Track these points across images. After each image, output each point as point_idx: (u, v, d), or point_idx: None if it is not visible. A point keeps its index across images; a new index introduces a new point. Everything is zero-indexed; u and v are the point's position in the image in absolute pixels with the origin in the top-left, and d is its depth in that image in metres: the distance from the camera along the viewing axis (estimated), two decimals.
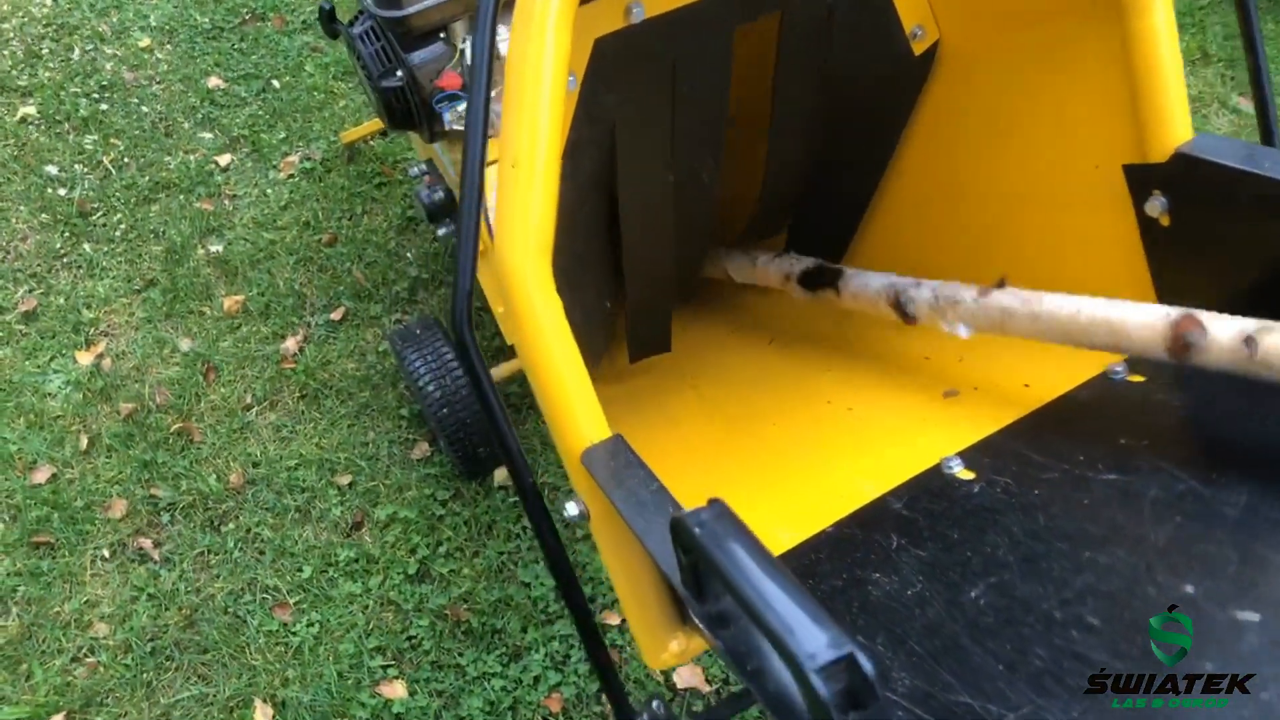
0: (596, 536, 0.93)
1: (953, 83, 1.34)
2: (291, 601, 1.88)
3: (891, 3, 1.30)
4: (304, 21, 3.09)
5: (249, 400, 2.19)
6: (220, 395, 2.19)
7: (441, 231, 1.92)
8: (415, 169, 2.03)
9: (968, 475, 1.02)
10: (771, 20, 1.29)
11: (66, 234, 2.50)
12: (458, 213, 0.97)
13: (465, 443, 1.89)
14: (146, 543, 1.96)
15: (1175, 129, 1.02)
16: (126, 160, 2.69)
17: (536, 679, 1.79)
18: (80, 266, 2.44)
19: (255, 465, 2.08)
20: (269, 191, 2.61)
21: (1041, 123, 1.20)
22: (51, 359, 2.26)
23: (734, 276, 1.77)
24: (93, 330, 2.32)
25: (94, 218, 2.54)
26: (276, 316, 2.34)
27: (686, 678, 1.79)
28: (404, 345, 1.92)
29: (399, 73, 1.71)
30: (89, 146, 2.71)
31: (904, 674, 0.77)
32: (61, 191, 2.60)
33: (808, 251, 1.56)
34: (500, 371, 2.00)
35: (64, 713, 1.74)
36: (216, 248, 2.48)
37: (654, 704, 0.92)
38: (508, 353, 2.14)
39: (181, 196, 2.59)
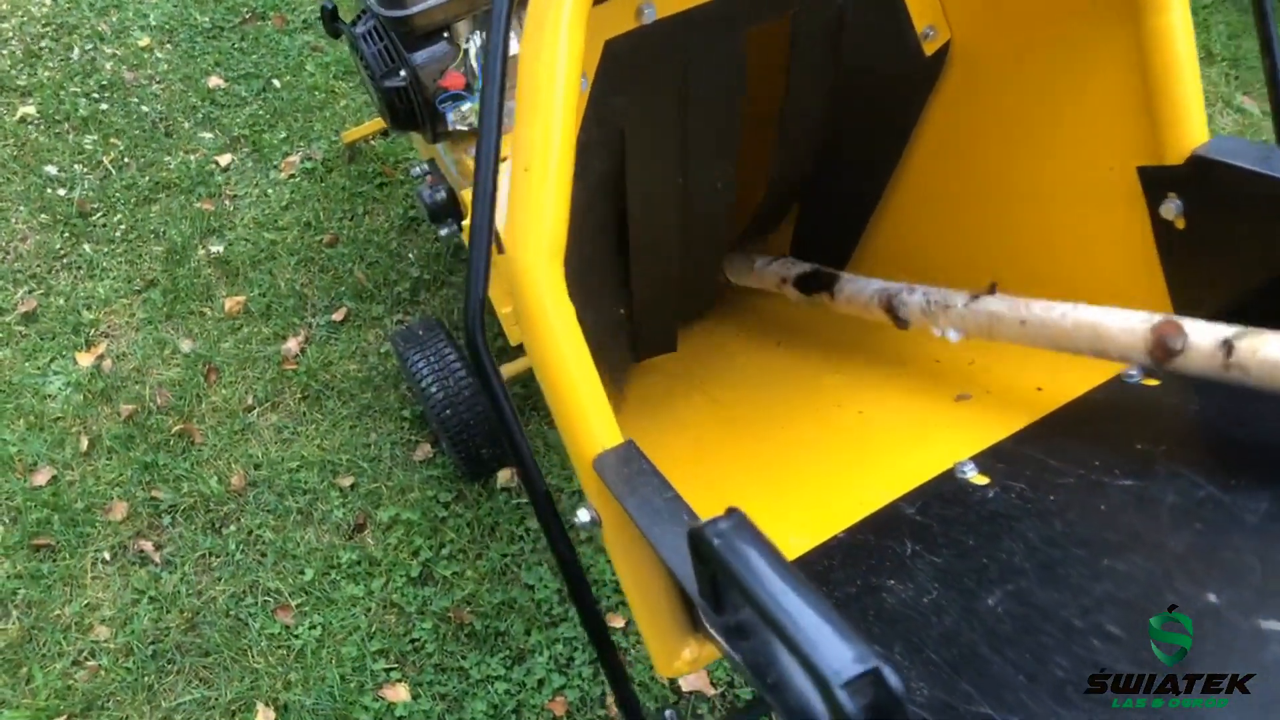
0: (608, 543, 0.92)
1: (964, 83, 1.33)
2: (294, 604, 1.87)
3: (903, 2, 1.28)
4: (304, 21, 3.07)
5: (250, 401, 2.17)
6: (221, 396, 2.18)
7: (444, 232, 1.91)
8: (417, 169, 2.02)
9: (981, 480, 1.01)
10: (782, 21, 1.27)
11: (66, 234, 2.48)
12: (470, 216, 0.95)
13: (468, 444, 1.88)
14: (147, 545, 1.95)
15: (1191, 130, 1.01)
16: (126, 160, 2.67)
17: (540, 682, 1.78)
18: (80, 267, 2.43)
19: (257, 467, 2.07)
20: (270, 192, 2.60)
21: (1054, 124, 1.19)
22: (51, 360, 2.25)
23: (732, 279, 1.76)
24: (93, 331, 2.30)
25: (94, 218, 2.53)
26: (278, 317, 2.32)
27: (691, 681, 1.78)
28: (406, 346, 1.91)
29: (402, 72, 1.70)
30: (89, 146, 2.70)
31: (922, 684, 0.76)
32: (61, 192, 2.59)
33: (814, 257, 1.55)
34: (504, 372, 1.99)
35: (65, 716, 1.73)
36: (217, 248, 2.46)
37: (667, 714, 0.91)
38: (510, 353, 2.13)
39: (182, 197, 2.58)
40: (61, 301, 2.35)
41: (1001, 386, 1.20)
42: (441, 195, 1.85)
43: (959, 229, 1.40)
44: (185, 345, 2.27)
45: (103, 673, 1.79)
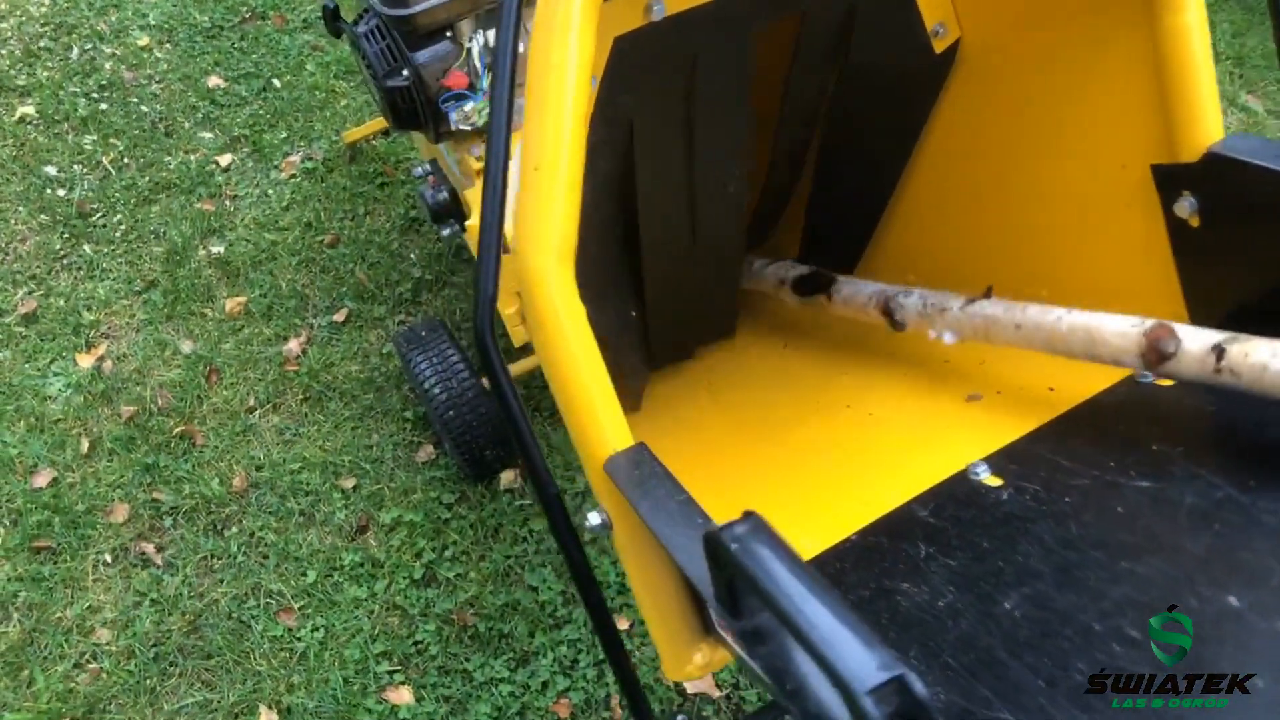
0: (618, 546, 0.91)
1: (974, 81, 1.32)
2: (296, 606, 1.86)
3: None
4: (304, 20, 3.06)
5: (252, 403, 2.16)
6: (223, 398, 2.17)
7: (446, 232, 1.90)
8: (419, 169, 2.00)
9: (995, 482, 1.00)
10: (789, 20, 1.26)
11: (66, 235, 2.47)
12: (479, 215, 0.94)
13: (471, 445, 1.86)
14: (149, 547, 1.94)
15: (1206, 128, 1.00)
16: (126, 160, 2.66)
17: (545, 684, 1.77)
18: (80, 268, 2.42)
19: (258, 468, 2.06)
20: (270, 192, 2.59)
21: (1066, 122, 1.18)
22: (52, 361, 2.23)
23: None
24: (93, 332, 2.29)
25: (94, 218, 2.52)
26: (279, 318, 2.31)
27: (697, 683, 1.77)
28: (409, 347, 1.90)
29: (404, 72, 1.69)
30: (88, 146, 2.68)
31: (940, 688, 0.75)
32: (61, 192, 2.57)
33: (823, 260, 1.54)
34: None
35: (66, 719, 1.72)
36: (218, 249, 2.45)
37: (679, 718, 0.90)
38: (512, 354, 2.11)
39: (182, 197, 2.56)
40: (61, 302, 2.34)
41: (1013, 387, 1.19)
42: (444, 195, 1.84)
43: (969, 229, 1.39)
44: (186, 346, 2.26)
45: (104, 675, 1.78)
